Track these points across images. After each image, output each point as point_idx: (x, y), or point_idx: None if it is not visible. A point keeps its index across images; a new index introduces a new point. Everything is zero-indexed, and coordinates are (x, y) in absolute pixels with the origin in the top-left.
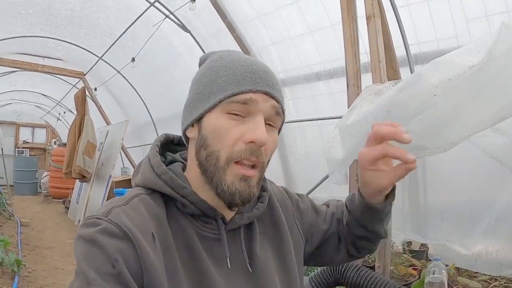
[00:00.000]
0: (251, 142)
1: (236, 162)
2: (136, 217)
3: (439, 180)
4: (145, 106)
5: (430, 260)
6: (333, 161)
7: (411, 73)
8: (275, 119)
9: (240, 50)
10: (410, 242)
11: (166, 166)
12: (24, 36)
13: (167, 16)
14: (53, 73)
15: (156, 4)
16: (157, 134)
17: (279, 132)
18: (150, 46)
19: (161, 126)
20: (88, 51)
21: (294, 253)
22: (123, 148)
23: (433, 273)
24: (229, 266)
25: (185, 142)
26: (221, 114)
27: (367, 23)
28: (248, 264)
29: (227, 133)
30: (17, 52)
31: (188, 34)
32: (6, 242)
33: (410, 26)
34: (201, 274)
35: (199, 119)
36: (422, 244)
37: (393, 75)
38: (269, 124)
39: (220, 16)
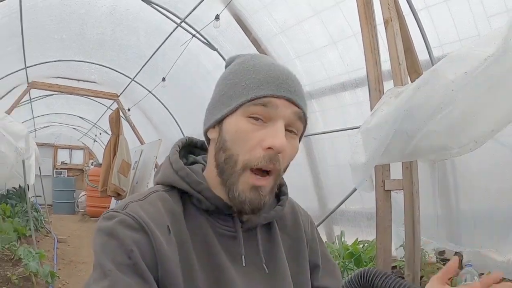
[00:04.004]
0: (269, 148)
1: (251, 170)
2: (152, 211)
3: (471, 184)
4: (177, 124)
5: None
6: (356, 166)
7: None
8: (297, 125)
9: None
10: (443, 251)
11: (187, 166)
12: (59, 60)
13: (193, 36)
14: (88, 96)
15: (183, 24)
16: None
17: (300, 139)
18: (180, 66)
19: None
20: (120, 73)
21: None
22: (156, 166)
23: (465, 280)
24: (244, 264)
25: (206, 143)
26: (242, 118)
27: (385, 27)
28: (264, 264)
29: (247, 137)
30: (53, 76)
31: (216, 52)
32: (41, 254)
33: (431, 28)
34: (218, 269)
35: (220, 121)
36: (455, 252)
37: (417, 78)
38: (290, 130)
39: (245, 33)
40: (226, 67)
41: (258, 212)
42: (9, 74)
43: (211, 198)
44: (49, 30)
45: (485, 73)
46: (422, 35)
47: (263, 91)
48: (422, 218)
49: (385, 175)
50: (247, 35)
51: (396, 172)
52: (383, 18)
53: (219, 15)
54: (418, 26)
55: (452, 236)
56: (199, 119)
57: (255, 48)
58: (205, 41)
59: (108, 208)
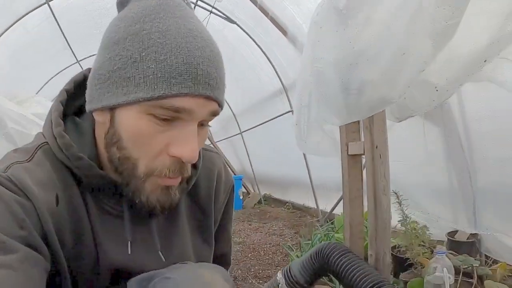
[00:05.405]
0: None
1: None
2: (40, 176)
3: (489, 160)
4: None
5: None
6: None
7: None
8: (209, 120)
9: (279, 33)
10: (456, 231)
11: (80, 112)
12: None
13: (211, 12)
14: None
15: (199, 2)
16: (238, 126)
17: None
18: None
19: (240, 118)
20: None
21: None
22: (211, 141)
23: (434, 270)
24: (130, 252)
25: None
26: (143, 115)
27: None
28: (160, 252)
29: (149, 140)
30: None
31: (237, 26)
32: None
33: None
34: (101, 251)
35: (112, 108)
36: (471, 234)
37: None
38: (201, 124)
39: (251, 1)
40: (119, 7)
41: (170, 210)
42: (64, 69)
43: (93, 177)
44: (88, 27)
45: None
46: None
47: (175, 87)
48: (430, 192)
49: (349, 137)
50: (253, 3)
51: None
52: None
53: None
54: None
55: (466, 215)
56: (238, 94)
57: (263, 16)
58: (223, 15)
59: None
